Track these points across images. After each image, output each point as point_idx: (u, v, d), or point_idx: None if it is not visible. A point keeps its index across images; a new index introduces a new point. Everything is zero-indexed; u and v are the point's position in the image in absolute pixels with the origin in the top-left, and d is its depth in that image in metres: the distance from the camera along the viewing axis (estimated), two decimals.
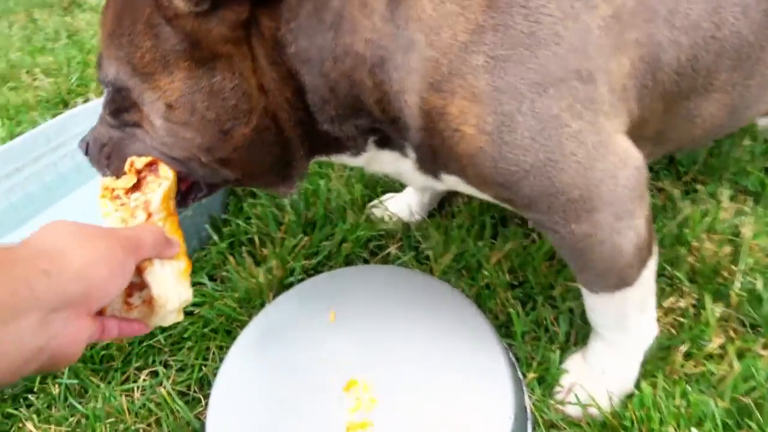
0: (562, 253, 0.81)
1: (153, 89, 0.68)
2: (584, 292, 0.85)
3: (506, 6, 0.65)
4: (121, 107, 0.72)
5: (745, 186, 1.22)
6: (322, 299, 1.06)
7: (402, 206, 1.28)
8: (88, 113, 1.49)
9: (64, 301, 0.50)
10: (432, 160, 0.74)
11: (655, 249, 0.83)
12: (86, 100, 1.93)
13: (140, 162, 0.72)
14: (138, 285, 0.67)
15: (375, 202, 1.34)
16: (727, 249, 1.07)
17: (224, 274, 1.22)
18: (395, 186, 1.38)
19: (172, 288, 0.67)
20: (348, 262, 1.22)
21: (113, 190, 0.71)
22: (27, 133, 1.41)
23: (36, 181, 1.44)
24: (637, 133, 0.75)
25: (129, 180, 0.71)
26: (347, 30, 0.66)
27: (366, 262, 1.21)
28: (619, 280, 0.78)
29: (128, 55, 0.68)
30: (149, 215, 0.68)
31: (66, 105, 1.96)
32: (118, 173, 0.74)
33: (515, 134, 0.66)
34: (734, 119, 0.88)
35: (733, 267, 1.04)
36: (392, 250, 1.21)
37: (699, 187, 1.23)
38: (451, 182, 0.77)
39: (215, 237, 1.28)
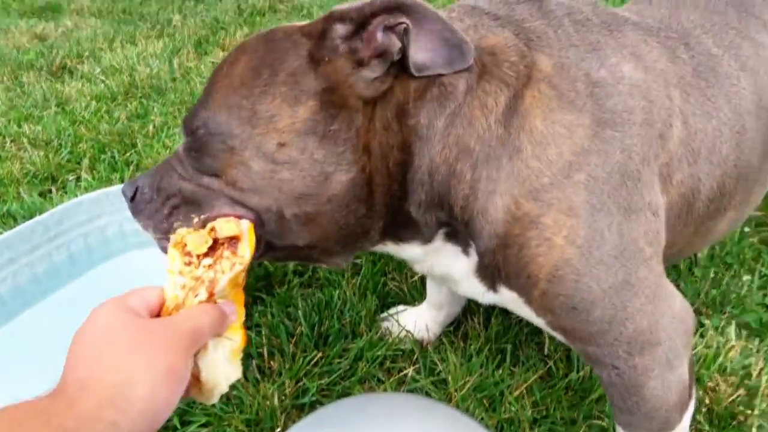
0: (611, 392, 0.82)
1: (266, 132, 0.69)
2: None
3: (610, 138, 0.72)
4: (208, 153, 0.70)
5: (747, 321, 1.27)
6: (343, 430, 1.02)
7: (416, 322, 1.26)
8: (90, 204, 1.44)
9: None
10: (496, 271, 0.76)
11: (694, 393, 0.86)
12: (78, 178, 1.87)
13: (223, 230, 0.67)
14: None
15: (385, 314, 1.33)
16: (741, 391, 1.10)
17: (232, 392, 1.16)
18: (406, 298, 1.37)
19: (221, 372, 0.65)
20: (362, 381, 1.18)
21: (185, 245, 0.67)
22: (25, 224, 1.35)
23: (27, 272, 1.36)
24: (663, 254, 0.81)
25: (205, 241, 0.67)
26: (463, 122, 0.70)
27: (381, 382, 1.18)
28: (664, 422, 0.81)
29: (254, 104, 0.69)
30: (211, 295, 0.64)
31: (54, 181, 1.89)
32: (171, 231, 0.71)
33: (602, 250, 0.70)
34: (732, 228, 1.02)
35: (748, 411, 1.07)
36: (410, 372, 1.18)
37: (706, 321, 1.27)
38: (507, 298, 0.79)
39: None
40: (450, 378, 1.15)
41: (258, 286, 1.37)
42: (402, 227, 0.78)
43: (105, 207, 1.46)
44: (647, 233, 0.73)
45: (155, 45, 2.99)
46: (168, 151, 1.95)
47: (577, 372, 1.15)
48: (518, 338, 1.23)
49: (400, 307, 1.33)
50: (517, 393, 1.10)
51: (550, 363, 1.18)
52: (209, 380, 0.65)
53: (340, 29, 0.67)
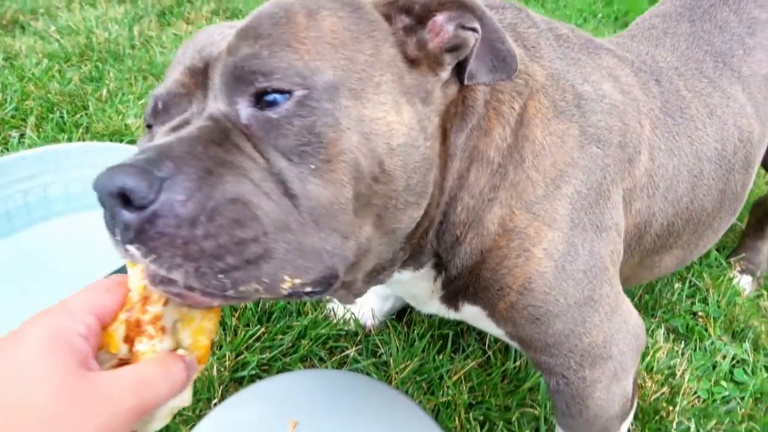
0: (557, 398, 0.84)
1: (372, 109, 0.56)
2: None
3: (593, 154, 0.72)
4: (308, 127, 0.52)
5: (675, 326, 1.34)
6: (280, 404, 1.01)
7: (362, 307, 1.27)
8: (34, 159, 1.38)
9: None
10: (462, 290, 0.75)
11: (635, 403, 0.89)
12: (22, 135, 1.79)
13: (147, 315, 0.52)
14: None
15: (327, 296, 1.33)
16: (665, 389, 1.15)
17: None
18: None
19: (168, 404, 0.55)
20: (303, 358, 1.18)
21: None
22: None
23: None
24: None
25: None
26: (480, 133, 0.68)
27: (323, 360, 1.18)
28: (602, 429, 0.82)
29: (362, 74, 0.56)
30: (163, 330, 0.52)
31: None
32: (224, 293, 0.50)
33: (574, 266, 0.71)
34: (680, 266, 1.03)
35: (670, 407, 1.12)
36: (351, 352, 1.19)
37: None
38: (468, 314, 0.79)
39: None
40: (391, 360, 1.17)
41: None
42: (410, 257, 0.71)
43: (50, 164, 1.40)
44: (612, 252, 0.75)
45: (116, 10, 2.89)
46: (121, 118, 1.89)
47: (514, 362, 1.19)
48: (460, 327, 1.26)
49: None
50: (455, 378, 1.13)
51: (489, 352, 1.21)
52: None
53: (403, 20, 0.60)
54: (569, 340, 0.73)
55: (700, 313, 1.37)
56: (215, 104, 0.54)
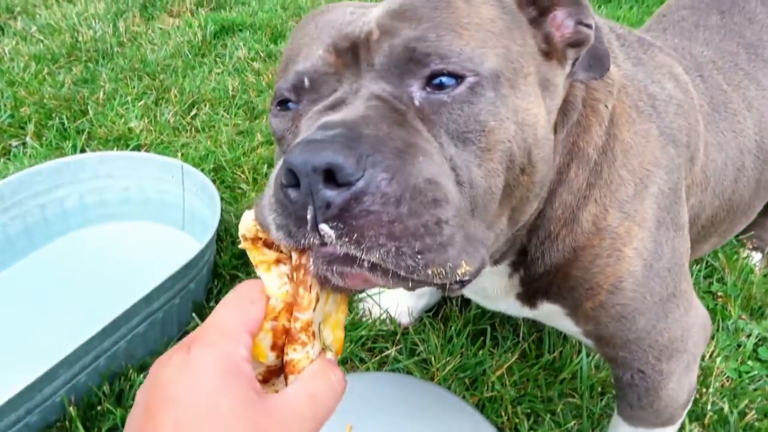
0: (628, 392, 0.85)
1: (524, 100, 0.58)
2: (621, 425, 0.90)
3: (672, 155, 0.74)
4: (475, 111, 0.53)
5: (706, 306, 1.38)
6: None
7: (398, 306, 1.28)
8: (49, 173, 1.35)
9: None
10: (545, 288, 0.75)
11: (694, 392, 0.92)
12: (23, 144, 1.74)
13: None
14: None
15: (363, 295, 1.33)
16: (698, 372, 1.19)
17: None
18: None
19: None
20: (344, 360, 1.19)
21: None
22: None
23: None
24: None
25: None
26: (579, 130, 0.68)
27: (363, 362, 1.20)
28: (669, 417, 0.86)
29: (515, 65, 0.58)
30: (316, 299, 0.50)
31: None
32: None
33: (660, 264, 0.72)
34: (710, 250, 1.08)
35: (704, 389, 1.16)
36: (392, 352, 1.20)
37: None
38: (544, 312, 0.79)
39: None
40: (432, 358, 1.18)
41: (235, 264, 1.34)
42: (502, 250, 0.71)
43: (65, 177, 1.37)
44: (687, 250, 0.77)
45: (96, 5, 2.80)
46: (122, 120, 1.85)
47: (550, 353, 1.21)
48: (494, 320, 1.28)
49: (376, 288, 1.34)
50: (498, 373, 1.15)
51: (524, 345, 1.24)
52: None
53: (530, 12, 0.61)
54: (650, 335, 0.75)
55: (719, 293, 1.42)
56: (378, 84, 0.53)
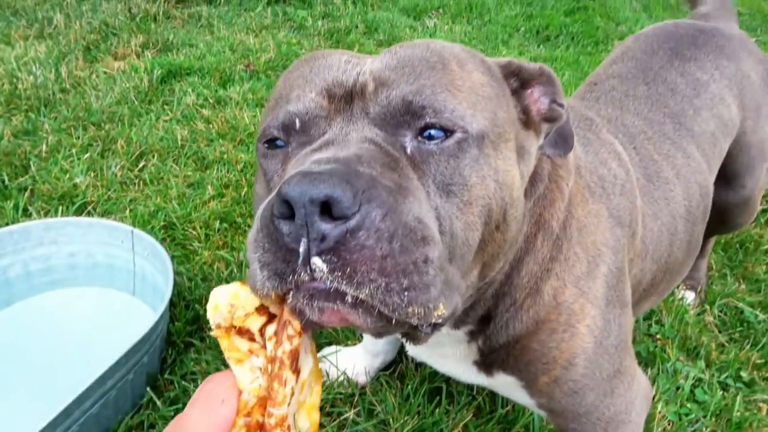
0: None
1: (497, 156, 0.63)
2: None
3: (618, 235, 0.78)
4: (461, 164, 0.57)
5: (638, 351, 1.46)
6: None
7: (355, 365, 1.29)
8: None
9: None
10: (503, 358, 0.78)
11: None
12: None
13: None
14: None
15: (319, 356, 1.34)
16: None
17: None
18: (339, 337, 1.40)
19: None
20: None
21: (235, 325, 0.50)
22: None
23: None
24: None
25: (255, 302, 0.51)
26: (545, 202, 0.73)
27: (322, 426, 1.20)
28: None
29: (500, 129, 0.63)
30: (297, 372, 0.50)
31: None
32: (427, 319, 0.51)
33: (608, 341, 0.76)
34: (650, 308, 1.15)
35: None
36: (350, 415, 1.21)
37: None
38: (500, 383, 0.82)
39: (157, 401, 1.17)
40: (390, 419, 1.20)
41: (189, 330, 1.33)
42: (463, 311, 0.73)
43: (7, 246, 1.33)
44: (631, 324, 0.82)
45: (37, 48, 2.73)
46: (67, 176, 1.80)
47: (503, 407, 1.25)
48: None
49: (332, 348, 1.35)
50: None
51: (479, 399, 1.27)
52: None
53: (512, 83, 0.66)
54: (598, 409, 0.80)
55: (658, 336, 1.50)
56: (370, 130, 0.56)
